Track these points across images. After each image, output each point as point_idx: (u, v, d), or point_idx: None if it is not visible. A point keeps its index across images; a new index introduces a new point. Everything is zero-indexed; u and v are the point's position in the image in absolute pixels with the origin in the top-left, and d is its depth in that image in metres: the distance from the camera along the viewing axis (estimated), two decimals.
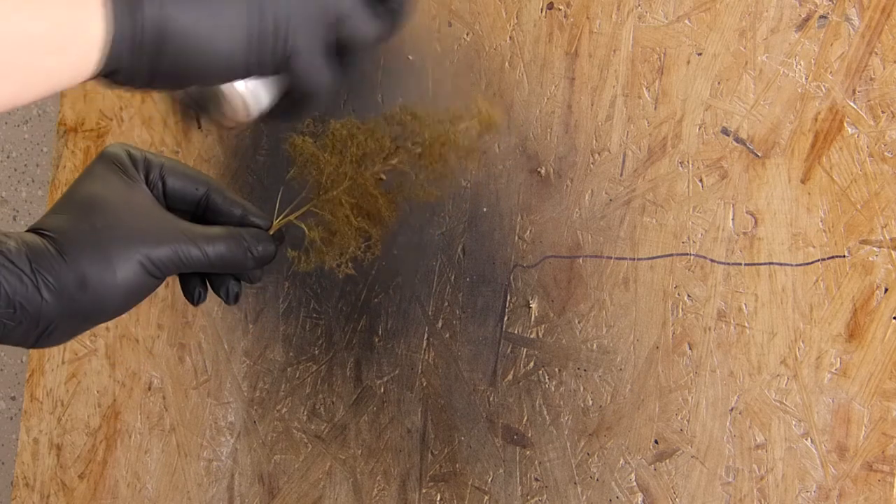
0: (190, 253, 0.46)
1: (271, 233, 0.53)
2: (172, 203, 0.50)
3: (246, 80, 0.42)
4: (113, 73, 0.38)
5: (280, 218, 0.54)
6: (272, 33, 0.40)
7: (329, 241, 0.55)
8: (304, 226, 0.54)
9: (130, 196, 0.46)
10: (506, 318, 0.63)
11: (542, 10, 0.63)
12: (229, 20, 0.39)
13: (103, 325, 0.80)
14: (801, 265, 0.55)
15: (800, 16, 0.56)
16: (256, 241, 0.50)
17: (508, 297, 0.63)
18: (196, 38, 0.38)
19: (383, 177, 0.57)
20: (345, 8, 0.42)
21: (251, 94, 0.43)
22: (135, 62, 0.38)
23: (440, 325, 0.66)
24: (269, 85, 0.43)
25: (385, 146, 0.56)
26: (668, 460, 0.58)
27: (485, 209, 0.64)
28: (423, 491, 0.65)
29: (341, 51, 0.44)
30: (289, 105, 0.45)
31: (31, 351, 0.84)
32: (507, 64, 0.64)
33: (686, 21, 0.59)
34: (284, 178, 0.71)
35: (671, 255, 0.59)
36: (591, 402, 0.60)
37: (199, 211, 0.51)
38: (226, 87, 0.43)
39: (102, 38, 0.36)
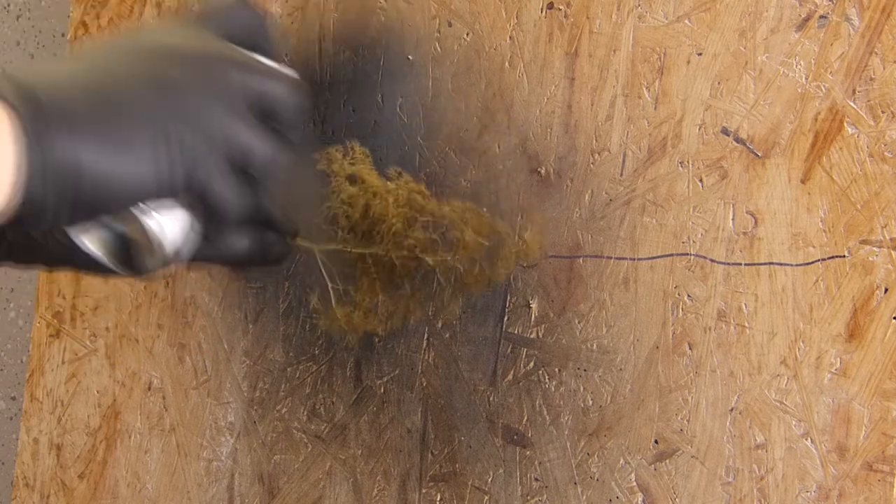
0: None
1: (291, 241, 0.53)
2: None
3: (151, 221, 0.42)
4: (22, 206, 0.38)
5: (304, 240, 0.54)
6: (177, 159, 0.40)
7: (352, 302, 0.55)
8: (327, 277, 0.54)
9: None
10: (506, 318, 0.63)
11: (542, 10, 0.63)
12: (140, 146, 0.39)
13: (103, 326, 0.80)
14: (801, 265, 0.55)
15: (800, 16, 0.56)
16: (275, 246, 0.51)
17: (508, 297, 0.63)
18: (105, 171, 0.39)
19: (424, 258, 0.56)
20: (237, 130, 0.42)
21: (158, 228, 0.42)
22: (44, 195, 0.38)
23: (440, 325, 0.66)
24: (177, 225, 0.43)
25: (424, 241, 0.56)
26: (668, 460, 0.58)
27: (485, 209, 0.64)
28: (423, 491, 0.65)
29: (248, 176, 0.44)
30: (210, 249, 0.46)
31: (31, 351, 0.84)
32: (507, 64, 0.64)
33: (686, 21, 0.59)
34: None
35: (671, 255, 0.59)
36: (591, 402, 0.60)
37: None
38: (138, 233, 0.42)
39: (13, 171, 0.37)
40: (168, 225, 0.42)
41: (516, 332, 0.63)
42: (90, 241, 0.42)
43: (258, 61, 0.46)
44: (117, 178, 0.39)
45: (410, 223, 0.56)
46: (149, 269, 0.43)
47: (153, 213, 0.41)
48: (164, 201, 0.41)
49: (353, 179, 0.57)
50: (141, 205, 0.41)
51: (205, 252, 0.47)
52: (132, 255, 0.43)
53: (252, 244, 0.49)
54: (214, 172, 0.41)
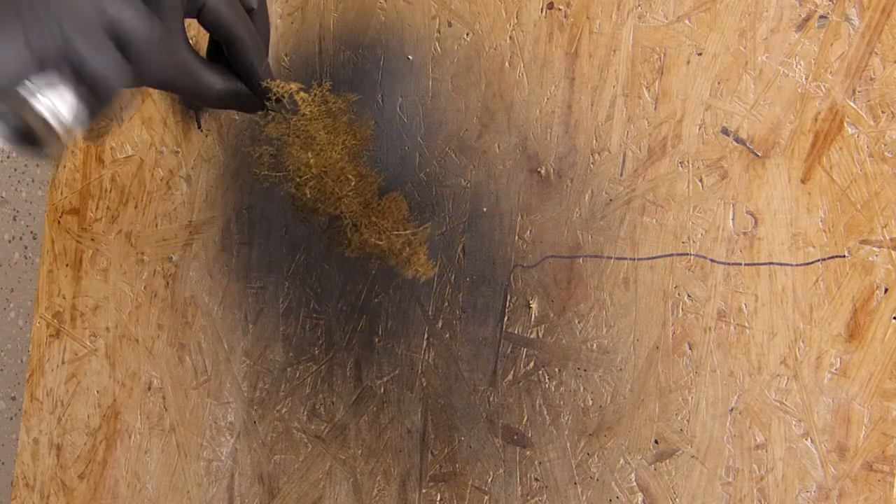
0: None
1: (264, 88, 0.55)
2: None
3: (41, 97, 0.42)
4: None
5: (279, 83, 0.55)
6: (49, 34, 0.40)
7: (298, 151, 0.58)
8: (298, 97, 0.56)
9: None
10: (506, 318, 0.63)
11: (542, 10, 0.63)
12: (9, 33, 0.40)
13: (103, 326, 0.80)
14: (801, 265, 0.55)
15: (800, 16, 0.56)
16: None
17: (508, 297, 0.63)
18: None
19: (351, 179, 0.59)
20: (113, 11, 0.42)
21: (50, 112, 0.42)
22: None
23: (440, 325, 0.66)
24: (62, 96, 0.43)
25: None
26: (668, 460, 0.58)
27: (485, 209, 0.64)
28: (423, 491, 0.65)
29: (124, 50, 0.44)
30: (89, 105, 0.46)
31: (31, 351, 0.84)
32: (507, 64, 0.64)
33: (686, 21, 0.59)
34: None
35: (671, 255, 0.59)
36: (591, 402, 0.60)
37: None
38: (32, 114, 0.42)
39: None
40: (57, 102, 0.42)
41: (516, 332, 0.63)
42: None
43: None
44: None
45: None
46: (51, 148, 0.44)
47: (39, 95, 0.41)
48: (47, 78, 0.41)
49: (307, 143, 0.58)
50: (27, 86, 0.41)
51: (178, 86, 0.49)
52: (35, 137, 0.43)
53: (225, 86, 0.51)
54: (85, 41, 0.41)
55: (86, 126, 0.44)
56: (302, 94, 0.56)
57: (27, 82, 0.41)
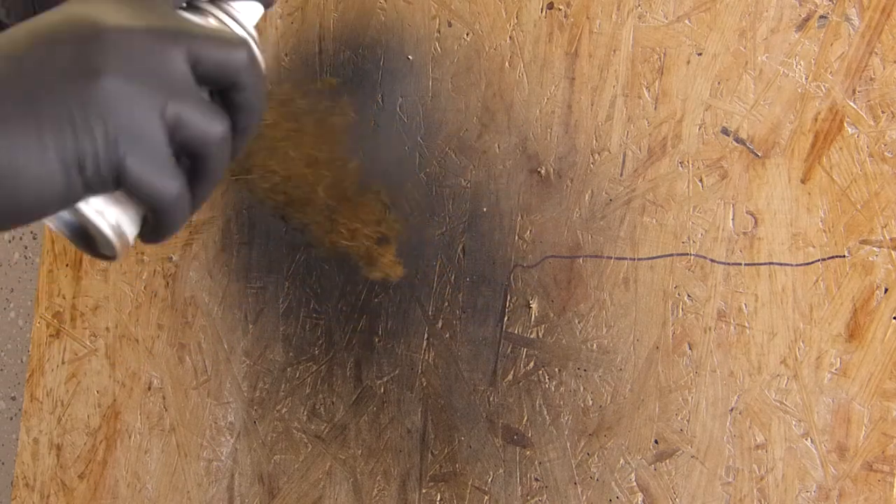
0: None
1: None
2: None
3: (104, 209, 0.37)
4: None
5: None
6: (99, 146, 0.35)
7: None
8: None
9: None
10: (506, 318, 0.63)
11: (542, 10, 0.63)
12: (51, 141, 0.34)
13: (103, 326, 0.80)
14: (801, 265, 0.55)
15: (800, 16, 0.56)
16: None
17: (508, 297, 0.63)
18: (18, 167, 0.34)
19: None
20: (181, 106, 0.37)
21: (110, 227, 0.38)
22: None
23: (440, 325, 0.66)
24: (128, 213, 0.39)
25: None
26: (668, 460, 0.58)
27: (485, 209, 0.64)
28: (423, 491, 0.65)
29: (189, 158, 0.38)
30: (153, 228, 0.40)
31: (31, 351, 0.84)
32: (507, 64, 0.64)
33: (686, 21, 0.59)
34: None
35: (671, 255, 0.59)
36: (591, 402, 0.60)
37: None
38: (91, 227, 0.38)
39: None
40: (113, 211, 0.38)
41: (516, 332, 0.63)
42: (51, 223, 0.40)
43: (209, 29, 0.39)
44: (9, 175, 0.33)
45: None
46: (108, 255, 0.39)
47: (92, 202, 0.37)
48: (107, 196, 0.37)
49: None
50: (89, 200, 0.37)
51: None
52: (91, 240, 0.39)
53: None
54: (141, 163, 0.36)
55: (154, 238, 0.40)
56: None
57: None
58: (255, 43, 0.41)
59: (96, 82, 0.35)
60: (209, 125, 0.37)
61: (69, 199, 0.36)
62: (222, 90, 0.39)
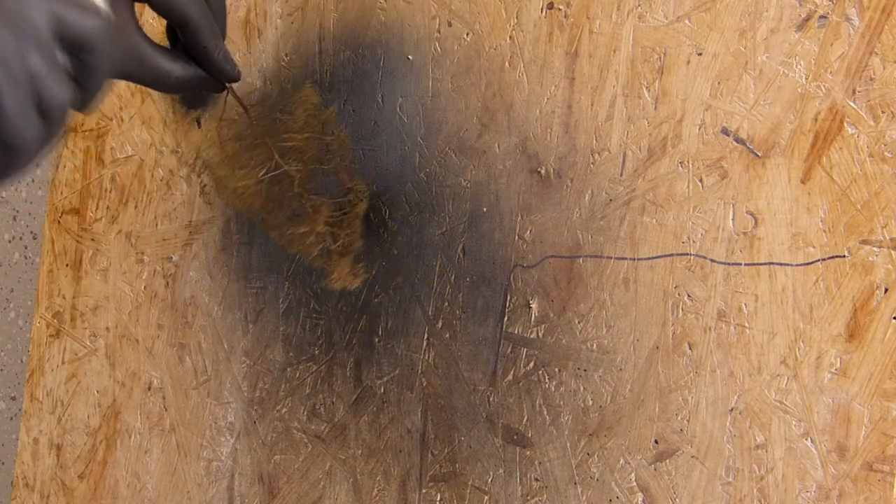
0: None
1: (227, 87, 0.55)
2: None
3: None
4: None
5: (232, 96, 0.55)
6: None
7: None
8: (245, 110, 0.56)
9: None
10: (506, 318, 0.63)
11: (542, 10, 0.63)
12: None
13: (103, 326, 0.80)
14: (801, 265, 0.55)
15: (800, 16, 0.56)
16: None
17: (508, 297, 0.63)
18: None
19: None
20: (37, 66, 0.41)
21: None
22: None
23: (440, 325, 0.66)
24: None
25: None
26: (668, 460, 0.58)
27: (485, 209, 0.64)
28: (423, 491, 0.65)
29: (43, 113, 0.42)
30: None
31: (31, 351, 0.84)
32: (507, 64, 0.64)
33: (686, 21, 0.59)
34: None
35: (671, 255, 0.59)
36: (591, 402, 0.60)
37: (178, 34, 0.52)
38: None
39: None
40: None
41: (516, 332, 0.63)
42: None
43: None
44: None
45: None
46: None
47: None
48: None
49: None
50: None
51: (135, 76, 0.47)
52: None
53: (183, 73, 0.50)
54: (14, 108, 0.39)
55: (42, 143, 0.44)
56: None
57: None
58: (108, 11, 0.45)
59: None
60: (59, 89, 0.41)
61: None
62: (76, 50, 0.43)
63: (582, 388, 0.61)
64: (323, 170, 0.64)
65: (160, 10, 0.51)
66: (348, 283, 0.64)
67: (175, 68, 0.50)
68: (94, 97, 0.45)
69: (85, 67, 0.43)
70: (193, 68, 0.52)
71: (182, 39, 0.52)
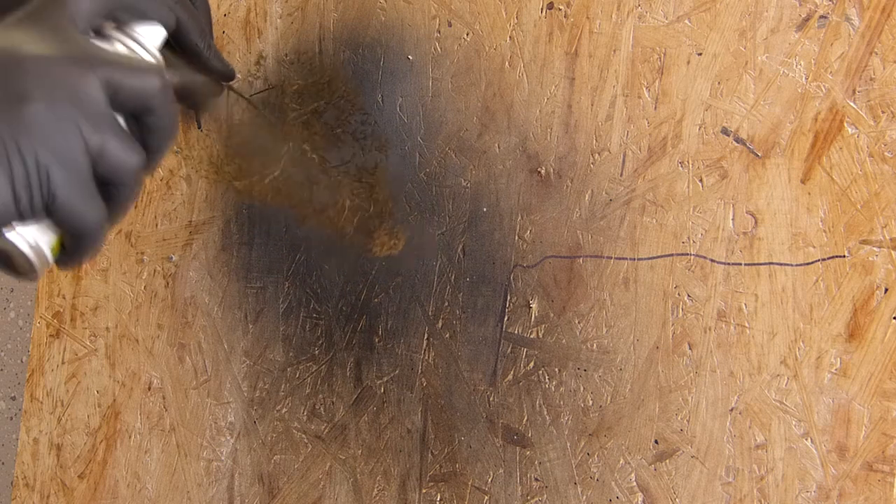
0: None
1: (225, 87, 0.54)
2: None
3: (24, 233, 0.39)
4: None
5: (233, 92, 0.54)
6: (31, 174, 0.37)
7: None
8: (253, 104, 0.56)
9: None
10: (506, 318, 0.63)
11: (542, 10, 0.63)
12: None
13: (103, 325, 0.80)
14: (801, 265, 0.55)
15: (800, 16, 0.56)
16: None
17: (508, 297, 0.63)
18: None
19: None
20: (102, 139, 0.38)
21: (29, 247, 0.39)
22: None
23: (440, 325, 0.66)
24: (45, 233, 0.40)
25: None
26: (668, 460, 0.58)
27: (485, 209, 0.64)
28: (423, 491, 0.65)
29: (105, 185, 0.40)
30: (72, 251, 0.42)
31: (31, 351, 0.84)
32: (507, 64, 0.64)
33: (686, 21, 0.59)
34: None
35: (671, 255, 0.59)
36: (591, 402, 0.60)
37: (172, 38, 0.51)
38: (9, 247, 0.39)
39: None
40: (33, 235, 0.39)
41: (516, 332, 0.63)
42: None
43: (121, 56, 0.41)
44: None
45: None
46: (26, 275, 0.41)
47: (15, 226, 0.38)
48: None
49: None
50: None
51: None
52: (11, 262, 0.40)
53: (180, 78, 0.49)
54: (70, 192, 0.38)
55: (70, 262, 0.42)
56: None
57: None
58: (162, 67, 0.43)
59: (23, 110, 0.36)
60: (128, 156, 0.39)
61: (8, 221, 0.37)
62: (135, 114, 0.41)
63: (582, 388, 0.61)
64: (338, 135, 0.63)
65: (129, 96, 0.48)
66: (392, 248, 0.63)
67: (173, 75, 0.49)
68: (163, 154, 0.43)
69: (149, 128, 0.42)
70: (190, 72, 0.51)
71: (173, 42, 0.50)
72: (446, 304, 0.65)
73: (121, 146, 0.39)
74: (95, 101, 0.38)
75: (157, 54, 0.44)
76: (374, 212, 0.62)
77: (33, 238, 0.39)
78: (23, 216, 0.37)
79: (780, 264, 0.56)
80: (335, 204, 0.61)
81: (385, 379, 0.67)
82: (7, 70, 0.37)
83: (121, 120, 0.41)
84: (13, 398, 0.93)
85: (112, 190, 0.40)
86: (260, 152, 0.58)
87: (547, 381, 0.62)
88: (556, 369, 0.62)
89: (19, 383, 0.91)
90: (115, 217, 0.41)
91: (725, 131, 0.57)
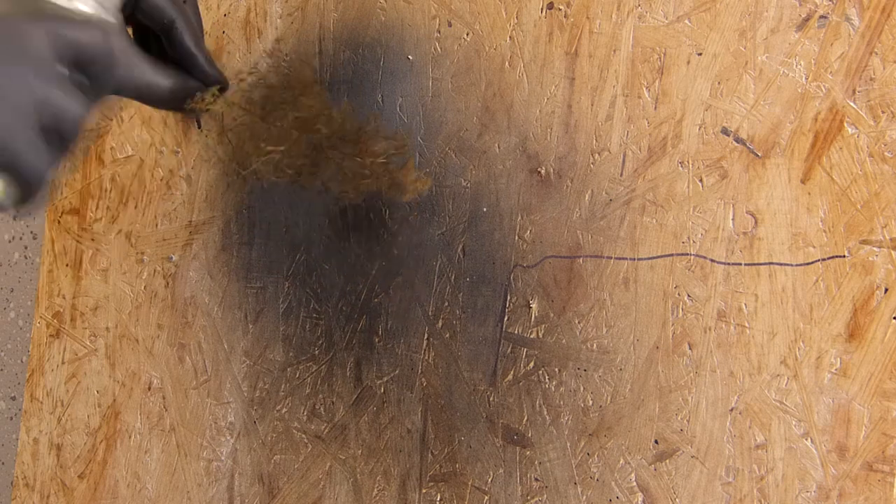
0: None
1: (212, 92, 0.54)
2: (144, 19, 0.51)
3: None
4: None
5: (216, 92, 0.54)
6: None
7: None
8: (219, 108, 0.55)
9: None
10: (506, 318, 0.63)
11: (542, 10, 0.63)
12: None
13: (103, 326, 0.80)
14: (801, 265, 0.55)
15: (800, 16, 0.56)
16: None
17: (508, 297, 0.63)
18: None
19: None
20: (46, 92, 0.41)
21: None
22: None
23: (440, 325, 0.66)
24: None
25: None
26: (668, 460, 0.58)
27: (485, 209, 0.64)
28: (423, 491, 0.65)
29: (51, 134, 0.43)
30: (19, 196, 0.44)
31: (31, 351, 0.84)
32: (507, 64, 0.64)
33: (686, 21, 0.59)
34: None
35: (671, 255, 0.59)
36: (591, 402, 0.60)
37: (164, 39, 0.52)
38: None
39: None
40: None
41: (516, 332, 0.63)
42: None
43: (67, 11, 0.43)
44: None
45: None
46: None
47: None
48: None
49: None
50: None
51: (129, 90, 0.47)
52: None
53: (175, 82, 0.50)
54: (22, 145, 0.40)
55: (22, 205, 0.44)
56: (220, 103, 0.54)
57: None
58: (116, 19, 0.46)
59: None
60: (70, 105, 0.42)
61: None
62: (81, 65, 0.43)
63: (582, 388, 0.61)
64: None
65: (146, 17, 0.51)
66: (421, 187, 0.63)
67: (166, 78, 0.50)
68: (103, 102, 0.45)
69: (92, 80, 0.44)
70: (183, 77, 0.52)
71: (167, 46, 0.52)
72: (446, 304, 0.66)
73: (64, 96, 0.41)
74: (41, 54, 0.41)
75: (113, 7, 0.47)
76: (396, 157, 0.62)
77: None
78: None
79: (780, 264, 0.56)
80: (360, 163, 0.61)
81: (385, 379, 0.67)
82: None
83: (66, 72, 0.43)
84: (13, 398, 0.92)
85: (59, 138, 0.42)
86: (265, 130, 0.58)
87: (547, 381, 0.62)
88: (556, 369, 0.62)
89: (19, 383, 0.91)
90: (60, 160, 0.44)
91: (725, 131, 0.57)
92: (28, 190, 0.42)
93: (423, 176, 0.65)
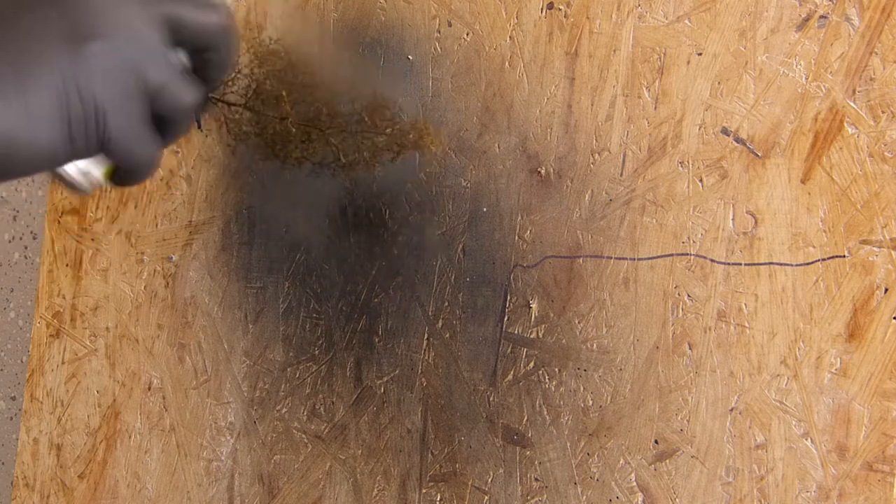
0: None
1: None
2: None
3: (77, 162, 0.41)
4: None
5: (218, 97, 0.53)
6: (89, 117, 0.37)
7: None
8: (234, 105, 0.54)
9: None
10: (506, 318, 0.63)
11: (542, 10, 0.63)
12: (44, 111, 0.36)
13: (103, 326, 0.80)
14: (801, 265, 0.55)
15: (800, 16, 0.56)
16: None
17: (508, 297, 0.63)
18: (12, 135, 0.35)
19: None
20: (160, 79, 0.39)
21: (81, 174, 0.41)
22: None
23: (440, 325, 0.66)
24: (98, 161, 0.42)
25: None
26: (668, 460, 0.58)
27: (485, 209, 0.64)
28: (423, 491, 0.65)
29: (161, 121, 0.41)
30: (124, 178, 0.43)
31: (31, 351, 0.84)
32: (507, 64, 0.64)
33: (686, 21, 0.59)
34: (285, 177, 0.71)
35: (671, 255, 0.59)
36: (591, 402, 0.60)
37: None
38: (62, 174, 0.41)
39: None
40: (86, 164, 0.41)
41: (516, 332, 0.63)
42: None
43: None
44: (25, 136, 0.35)
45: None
46: (78, 193, 0.43)
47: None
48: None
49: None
50: None
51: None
52: (61, 178, 0.43)
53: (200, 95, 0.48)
54: (125, 135, 0.38)
55: (102, 179, 0.43)
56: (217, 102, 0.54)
57: None
58: (225, 4, 0.44)
59: (83, 49, 0.37)
60: (184, 94, 0.40)
61: (56, 164, 0.38)
62: (197, 49, 0.42)
63: (582, 388, 0.61)
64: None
65: (192, 32, 0.45)
66: (442, 141, 0.63)
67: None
68: (218, 87, 0.44)
69: (208, 63, 0.42)
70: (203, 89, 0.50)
71: (202, 63, 0.47)
72: (446, 304, 0.65)
73: (178, 85, 0.40)
74: (157, 40, 0.39)
75: None
76: (410, 117, 0.61)
77: (86, 166, 0.41)
78: (76, 157, 0.38)
79: (780, 264, 0.56)
80: (381, 133, 0.60)
81: (385, 379, 0.67)
82: (76, 6, 0.37)
83: (183, 56, 0.41)
84: (13, 398, 0.93)
85: (169, 125, 0.41)
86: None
87: (547, 381, 0.62)
88: (556, 369, 0.62)
89: (19, 383, 0.91)
90: (168, 145, 0.42)
91: (725, 131, 0.57)
92: (130, 177, 0.42)
93: (437, 132, 0.64)
